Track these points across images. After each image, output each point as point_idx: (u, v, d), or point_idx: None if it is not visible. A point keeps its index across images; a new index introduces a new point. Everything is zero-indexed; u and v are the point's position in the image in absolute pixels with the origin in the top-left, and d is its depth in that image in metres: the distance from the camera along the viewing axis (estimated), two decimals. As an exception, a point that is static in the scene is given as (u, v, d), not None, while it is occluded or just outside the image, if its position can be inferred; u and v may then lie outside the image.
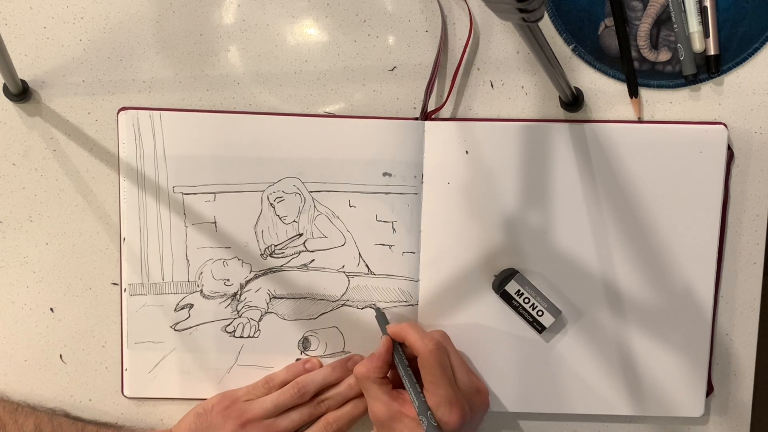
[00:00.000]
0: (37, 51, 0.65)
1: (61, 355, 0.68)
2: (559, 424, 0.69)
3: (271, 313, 0.67)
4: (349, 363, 0.66)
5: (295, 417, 0.65)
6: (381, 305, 0.66)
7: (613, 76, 0.65)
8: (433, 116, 0.65)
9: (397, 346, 0.63)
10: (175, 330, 0.67)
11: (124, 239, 0.66)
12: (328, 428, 0.65)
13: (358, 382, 0.63)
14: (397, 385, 0.63)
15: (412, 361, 0.62)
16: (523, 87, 0.65)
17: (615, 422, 0.69)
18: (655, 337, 0.66)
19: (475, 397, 0.61)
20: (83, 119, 0.66)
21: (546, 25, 0.65)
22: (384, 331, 0.64)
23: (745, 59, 0.65)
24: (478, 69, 0.65)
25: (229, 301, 0.66)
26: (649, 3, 0.64)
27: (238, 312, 0.66)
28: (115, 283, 0.67)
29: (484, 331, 0.67)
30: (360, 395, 0.65)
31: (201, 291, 0.66)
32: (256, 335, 0.67)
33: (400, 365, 0.62)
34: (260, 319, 0.67)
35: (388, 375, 0.63)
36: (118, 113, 0.65)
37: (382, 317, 0.66)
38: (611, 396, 0.67)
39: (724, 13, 0.64)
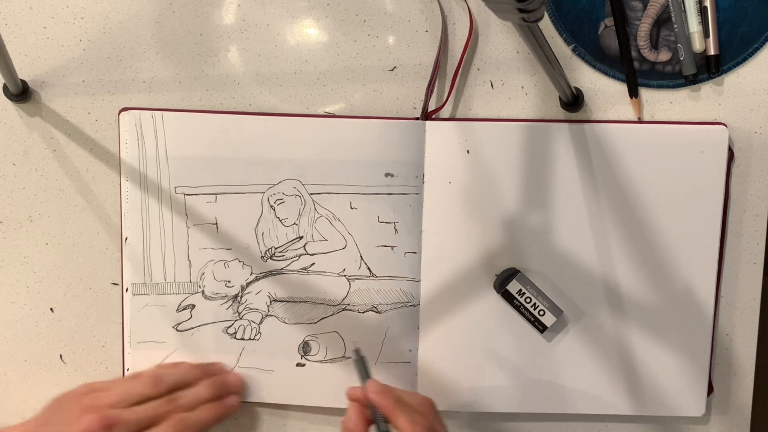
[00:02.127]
0: (37, 51, 0.65)
1: (61, 355, 0.68)
2: (559, 424, 0.69)
3: (271, 316, 0.67)
4: (212, 368, 0.65)
5: (139, 410, 0.61)
6: (382, 307, 0.66)
7: (613, 76, 0.65)
8: (433, 116, 0.65)
9: (376, 412, 0.57)
10: (177, 330, 0.67)
11: (126, 239, 0.66)
12: (173, 427, 0.61)
13: None
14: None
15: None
16: (523, 87, 0.65)
17: (615, 422, 0.69)
18: (656, 337, 0.66)
19: None
20: (83, 119, 0.66)
21: (546, 25, 0.65)
22: (363, 381, 0.59)
23: (745, 59, 0.65)
24: (478, 69, 0.65)
25: (230, 302, 0.66)
26: (649, 3, 0.64)
27: (239, 314, 0.66)
28: (115, 283, 0.67)
29: (485, 330, 0.67)
30: (214, 399, 0.64)
31: (202, 292, 0.66)
32: (256, 338, 0.67)
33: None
34: (261, 322, 0.67)
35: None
36: (119, 113, 0.65)
37: (361, 364, 0.60)
38: (612, 396, 0.67)
39: (724, 13, 0.64)
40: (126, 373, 0.67)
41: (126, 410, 0.60)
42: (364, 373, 0.59)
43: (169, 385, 0.63)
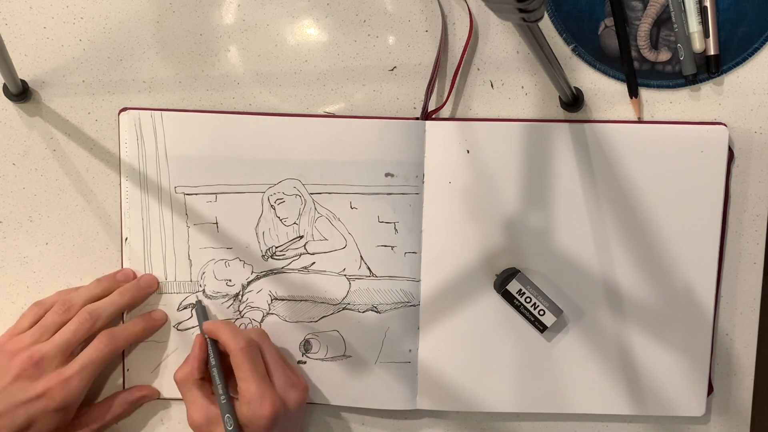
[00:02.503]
0: (37, 51, 0.65)
1: (61, 356, 0.68)
2: (559, 424, 0.69)
3: (272, 314, 0.67)
4: (118, 275, 0.66)
5: (57, 338, 0.62)
6: (382, 307, 0.66)
7: (613, 76, 0.65)
8: (433, 116, 0.65)
9: (212, 344, 0.63)
10: (178, 330, 0.67)
11: (126, 239, 0.66)
12: (102, 343, 0.63)
13: (178, 387, 0.63)
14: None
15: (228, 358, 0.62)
16: (523, 87, 0.65)
17: (615, 422, 0.69)
18: (656, 337, 0.66)
19: (290, 392, 0.62)
20: (83, 119, 0.66)
21: (546, 25, 0.65)
22: (201, 328, 0.64)
23: (745, 59, 0.65)
24: (478, 69, 0.65)
25: (231, 301, 0.66)
26: (649, 3, 0.64)
27: (240, 313, 0.66)
28: (115, 283, 0.67)
29: (485, 330, 0.67)
30: (129, 307, 0.66)
31: (203, 291, 0.66)
32: (257, 336, 0.67)
33: (212, 362, 0.62)
34: (262, 321, 0.67)
35: (206, 377, 0.63)
36: (119, 113, 0.65)
37: (201, 311, 0.65)
38: (612, 395, 0.67)
39: (724, 13, 0.64)
40: (126, 373, 0.67)
41: (47, 343, 0.62)
42: (203, 318, 0.65)
43: (80, 307, 0.64)
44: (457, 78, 0.65)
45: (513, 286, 0.64)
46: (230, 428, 0.59)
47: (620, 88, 0.65)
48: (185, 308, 0.66)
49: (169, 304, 0.66)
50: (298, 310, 0.67)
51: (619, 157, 0.65)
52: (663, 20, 0.64)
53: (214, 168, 0.65)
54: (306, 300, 0.66)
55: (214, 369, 0.62)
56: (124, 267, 0.66)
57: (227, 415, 0.59)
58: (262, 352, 0.63)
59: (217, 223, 0.66)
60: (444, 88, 0.65)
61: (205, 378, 0.63)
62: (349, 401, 0.68)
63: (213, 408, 0.61)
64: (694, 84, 0.65)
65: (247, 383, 0.60)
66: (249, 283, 0.66)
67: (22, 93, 0.63)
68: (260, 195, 0.65)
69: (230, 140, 0.65)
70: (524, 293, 0.64)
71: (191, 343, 0.66)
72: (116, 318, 0.66)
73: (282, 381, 0.62)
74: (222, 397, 0.60)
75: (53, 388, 0.60)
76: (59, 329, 0.63)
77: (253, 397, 0.59)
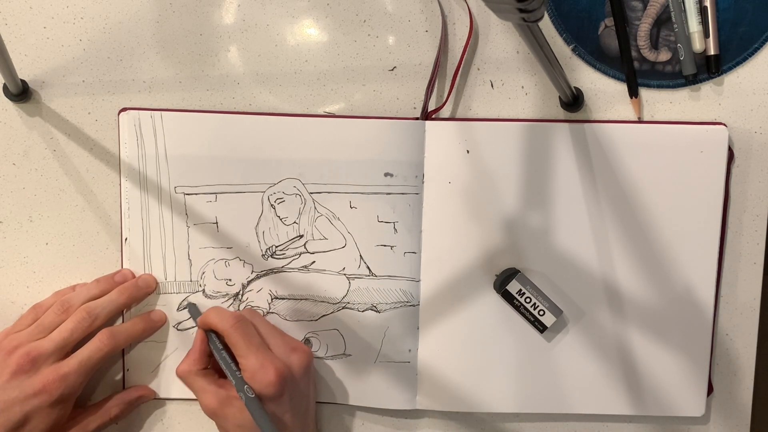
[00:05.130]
0: (37, 51, 0.65)
1: (61, 356, 0.68)
2: (559, 425, 0.69)
3: (272, 313, 0.67)
4: (116, 276, 0.66)
5: (55, 336, 0.62)
6: (382, 306, 0.66)
7: (613, 76, 0.65)
8: (433, 116, 0.65)
9: (210, 334, 0.63)
10: (178, 330, 0.67)
11: (126, 239, 0.66)
12: (101, 341, 0.63)
13: (183, 381, 0.63)
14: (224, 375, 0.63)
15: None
16: (523, 87, 0.65)
17: (615, 422, 0.69)
18: (655, 337, 0.67)
19: (292, 356, 0.62)
20: (83, 119, 0.66)
21: (546, 25, 0.65)
22: (195, 320, 0.65)
23: (745, 59, 0.65)
24: (478, 69, 0.65)
25: (231, 301, 0.66)
26: (649, 3, 0.64)
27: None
28: (115, 283, 0.67)
29: (485, 330, 0.67)
30: (128, 306, 0.66)
31: (203, 291, 0.66)
32: (257, 335, 0.67)
33: (214, 350, 0.62)
34: (262, 320, 0.67)
35: (209, 367, 0.64)
36: (119, 114, 0.65)
37: (194, 309, 0.66)
38: (612, 396, 0.67)
39: (724, 13, 0.64)
40: (126, 373, 0.67)
41: (44, 340, 0.62)
42: (197, 315, 0.65)
43: (77, 307, 0.64)
44: (457, 78, 0.65)
45: (513, 286, 0.64)
46: (252, 396, 0.58)
47: (620, 88, 0.65)
48: (185, 308, 0.66)
49: (168, 304, 0.66)
50: (298, 308, 0.67)
51: (619, 157, 0.65)
52: (663, 20, 0.64)
53: (214, 168, 0.65)
54: (306, 299, 0.67)
55: (222, 352, 0.62)
56: (123, 267, 0.66)
57: (245, 386, 0.59)
58: (255, 327, 0.63)
59: (217, 222, 0.66)
60: (444, 88, 0.65)
61: (208, 369, 0.63)
62: (349, 400, 0.68)
63: (222, 391, 0.61)
64: (694, 84, 0.65)
65: (246, 357, 0.60)
66: (249, 282, 0.66)
67: (22, 93, 0.63)
68: (260, 194, 0.65)
69: (230, 140, 0.65)
70: (524, 293, 0.64)
71: (191, 343, 0.67)
72: (115, 317, 0.66)
73: (281, 348, 0.62)
74: (237, 373, 0.60)
75: (51, 382, 0.60)
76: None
77: (254, 368, 0.59)
